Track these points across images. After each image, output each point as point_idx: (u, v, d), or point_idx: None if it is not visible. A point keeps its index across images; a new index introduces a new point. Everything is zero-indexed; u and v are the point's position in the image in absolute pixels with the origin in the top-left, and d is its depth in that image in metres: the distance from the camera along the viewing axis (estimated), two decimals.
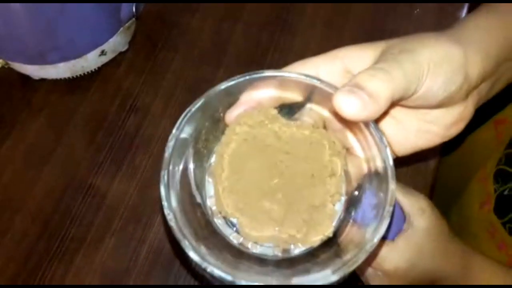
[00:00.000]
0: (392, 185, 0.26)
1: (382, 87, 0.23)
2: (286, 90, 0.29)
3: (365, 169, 0.28)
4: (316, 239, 0.28)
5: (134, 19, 0.55)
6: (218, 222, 0.29)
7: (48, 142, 0.52)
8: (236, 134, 0.29)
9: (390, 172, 0.26)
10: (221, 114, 0.30)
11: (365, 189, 0.29)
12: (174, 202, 0.26)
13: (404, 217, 0.37)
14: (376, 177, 0.27)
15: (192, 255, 0.25)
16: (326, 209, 0.28)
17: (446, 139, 0.30)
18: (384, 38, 0.29)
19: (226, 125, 0.30)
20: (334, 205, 0.29)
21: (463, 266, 0.38)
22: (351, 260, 0.25)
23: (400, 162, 0.49)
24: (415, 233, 0.36)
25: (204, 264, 0.24)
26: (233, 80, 0.28)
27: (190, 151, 0.29)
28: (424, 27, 0.58)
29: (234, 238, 0.29)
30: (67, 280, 0.45)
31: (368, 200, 0.28)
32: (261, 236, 0.28)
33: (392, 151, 0.30)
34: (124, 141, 0.52)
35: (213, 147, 0.31)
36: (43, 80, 0.54)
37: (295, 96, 0.29)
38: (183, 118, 0.27)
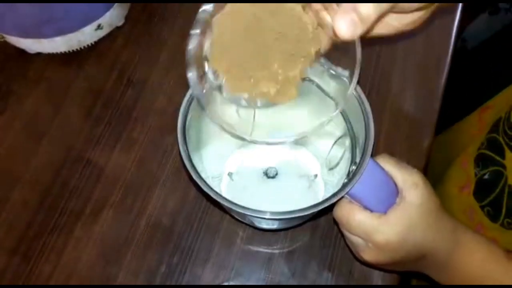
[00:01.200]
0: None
1: (372, 10, 0.28)
2: None
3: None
4: (283, 100, 0.33)
5: None
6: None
7: (46, 115, 0.52)
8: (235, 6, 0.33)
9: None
10: None
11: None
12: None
13: (396, 191, 0.37)
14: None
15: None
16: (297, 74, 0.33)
17: (400, 32, 0.34)
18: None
19: None
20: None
21: (454, 241, 0.38)
22: None
23: (394, 141, 0.50)
24: (408, 208, 0.36)
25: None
26: None
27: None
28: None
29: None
30: (66, 252, 0.46)
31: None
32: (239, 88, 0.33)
33: None
34: (121, 115, 0.52)
35: None
36: (38, 54, 0.54)
37: None
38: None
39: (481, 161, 0.50)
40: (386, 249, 0.36)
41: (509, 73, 0.83)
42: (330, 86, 0.37)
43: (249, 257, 0.46)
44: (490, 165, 0.48)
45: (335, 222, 0.40)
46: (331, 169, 0.45)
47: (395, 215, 0.36)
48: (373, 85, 0.53)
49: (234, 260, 0.46)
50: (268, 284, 0.45)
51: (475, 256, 0.38)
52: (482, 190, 0.49)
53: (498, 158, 0.47)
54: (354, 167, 0.36)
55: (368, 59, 0.55)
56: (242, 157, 0.48)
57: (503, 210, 0.46)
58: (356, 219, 0.36)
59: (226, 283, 0.45)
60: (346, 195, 0.36)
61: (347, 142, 0.41)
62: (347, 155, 0.41)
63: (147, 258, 0.46)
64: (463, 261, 0.38)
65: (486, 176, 0.49)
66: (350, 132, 0.40)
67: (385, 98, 0.53)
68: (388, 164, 0.37)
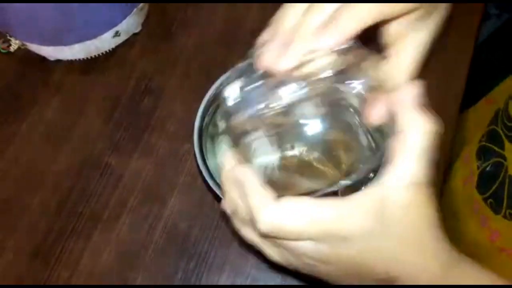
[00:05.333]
0: None
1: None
2: None
3: None
4: None
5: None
6: None
7: (65, 121, 0.53)
8: None
9: None
10: None
11: None
12: None
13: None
14: None
15: None
16: None
17: None
18: None
19: None
20: None
21: (441, 275, 0.27)
22: None
23: None
24: (386, 198, 0.25)
25: None
26: None
27: None
28: None
29: None
30: (85, 256, 0.47)
31: None
32: None
33: None
34: (139, 121, 0.52)
35: None
36: (58, 61, 0.55)
37: None
38: None
39: (483, 153, 0.50)
40: (344, 248, 0.25)
41: (504, 67, 0.83)
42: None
43: (265, 264, 0.46)
44: (491, 157, 0.48)
45: (248, 245, 0.30)
46: (348, 176, 0.45)
47: (364, 198, 0.25)
48: None
49: (250, 267, 0.46)
50: None
51: None
52: (484, 182, 0.49)
53: (498, 149, 0.47)
54: (372, 175, 0.36)
55: None
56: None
57: (505, 201, 0.46)
58: (307, 217, 0.25)
59: None
60: None
61: (369, 156, 0.40)
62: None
63: (163, 264, 0.46)
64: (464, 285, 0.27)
65: (488, 168, 0.48)
66: (373, 145, 0.40)
67: None
68: (416, 135, 0.25)
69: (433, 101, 0.51)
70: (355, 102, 0.39)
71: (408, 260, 0.26)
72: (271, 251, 0.29)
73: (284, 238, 0.26)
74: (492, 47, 0.90)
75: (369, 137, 0.39)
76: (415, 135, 0.25)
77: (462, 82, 0.54)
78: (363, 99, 0.34)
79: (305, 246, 0.26)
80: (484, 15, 0.56)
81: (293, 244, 0.26)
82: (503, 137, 0.46)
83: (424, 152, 0.25)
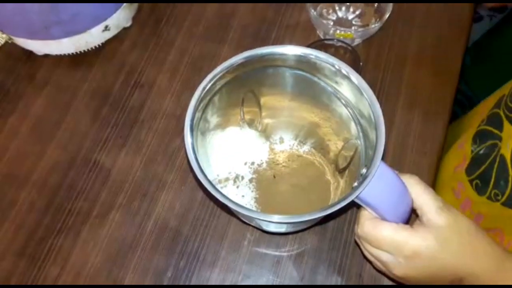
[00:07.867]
0: None
1: None
2: None
3: None
4: None
5: None
6: None
7: (53, 117, 0.52)
8: None
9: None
10: None
11: None
12: None
13: (409, 197, 0.36)
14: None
15: None
16: None
17: None
18: None
19: None
20: None
21: (497, 269, 0.36)
22: None
23: (405, 147, 0.50)
24: (437, 229, 0.35)
25: None
26: None
27: None
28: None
29: None
30: (73, 254, 0.46)
31: None
32: None
33: None
34: (128, 117, 0.52)
35: None
36: (46, 56, 0.54)
37: None
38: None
39: (479, 137, 0.50)
40: (417, 262, 0.35)
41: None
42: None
43: (257, 260, 0.45)
44: (487, 140, 0.48)
45: (357, 243, 0.39)
46: (340, 172, 0.45)
47: (423, 229, 0.35)
48: (382, 88, 0.53)
49: (241, 264, 0.45)
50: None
51: None
52: (474, 164, 0.49)
53: (496, 131, 0.47)
54: (365, 170, 0.36)
55: (379, 65, 0.54)
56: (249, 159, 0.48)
57: (492, 182, 0.46)
58: (384, 233, 0.35)
59: None
60: (355, 199, 0.35)
61: (358, 145, 0.40)
62: (358, 158, 0.40)
63: (153, 261, 0.45)
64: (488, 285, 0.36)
65: (481, 151, 0.48)
66: (361, 134, 0.40)
67: (395, 102, 0.52)
68: (414, 188, 0.36)
69: (428, 91, 0.52)
70: (348, 94, 0.39)
71: (465, 262, 0.36)
72: (366, 252, 0.39)
73: (369, 243, 0.37)
74: (485, 48, 0.91)
75: (358, 127, 0.39)
76: (413, 188, 0.36)
77: (457, 66, 0.54)
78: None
79: (385, 256, 0.37)
80: (477, 16, 0.56)
81: (375, 251, 0.37)
82: (504, 118, 0.46)
83: (425, 191, 0.36)
